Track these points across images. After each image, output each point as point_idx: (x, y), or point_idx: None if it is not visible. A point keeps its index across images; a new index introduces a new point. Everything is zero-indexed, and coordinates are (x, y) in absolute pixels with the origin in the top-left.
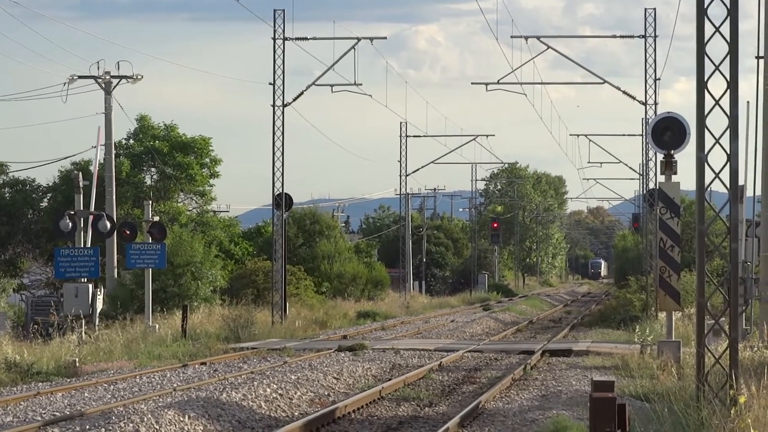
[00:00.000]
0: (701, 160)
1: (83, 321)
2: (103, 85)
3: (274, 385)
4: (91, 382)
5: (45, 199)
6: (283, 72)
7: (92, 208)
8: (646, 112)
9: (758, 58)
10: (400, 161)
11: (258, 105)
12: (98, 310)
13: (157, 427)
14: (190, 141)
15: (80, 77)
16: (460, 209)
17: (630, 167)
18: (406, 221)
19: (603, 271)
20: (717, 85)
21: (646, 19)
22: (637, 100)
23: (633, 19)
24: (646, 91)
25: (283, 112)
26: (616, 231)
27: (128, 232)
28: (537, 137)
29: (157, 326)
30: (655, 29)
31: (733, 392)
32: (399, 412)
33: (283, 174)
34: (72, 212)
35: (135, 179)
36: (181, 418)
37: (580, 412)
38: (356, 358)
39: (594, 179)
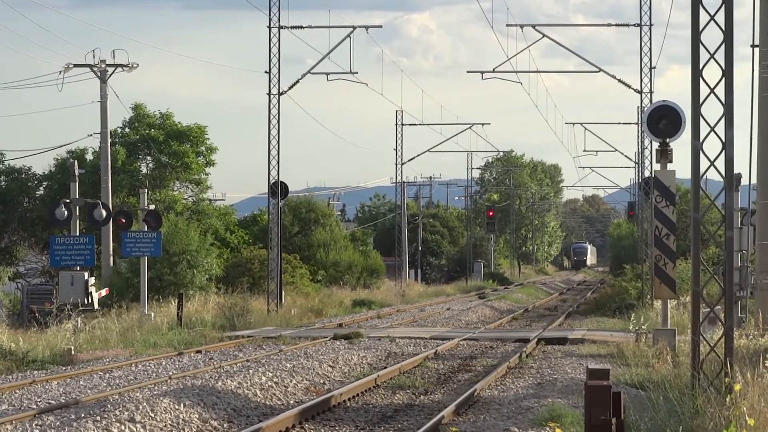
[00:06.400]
0: (696, 148)
1: (80, 309)
2: (99, 74)
3: (270, 374)
4: (87, 371)
5: (41, 188)
6: (279, 60)
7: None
8: (641, 101)
9: (753, 46)
10: (395, 149)
11: (253, 93)
12: (96, 299)
13: (153, 415)
14: (185, 129)
15: (76, 66)
16: (456, 197)
17: (625, 155)
18: (401, 209)
19: (589, 259)
20: (712, 74)
21: (641, 7)
22: (633, 89)
23: (625, 6)
24: (641, 80)
25: (278, 101)
26: (611, 219)
27: (124, 221)
28: (532, 125)
29: (152, 314)
30: (650, 18)
31: (728, 380)
32: (394, 400)
33: (278, 162)
34: (68, 200)
35: (130, 168)
36: (177, 407)
37: (575, 400)
38: (352, 346)
39: (590, 167)
